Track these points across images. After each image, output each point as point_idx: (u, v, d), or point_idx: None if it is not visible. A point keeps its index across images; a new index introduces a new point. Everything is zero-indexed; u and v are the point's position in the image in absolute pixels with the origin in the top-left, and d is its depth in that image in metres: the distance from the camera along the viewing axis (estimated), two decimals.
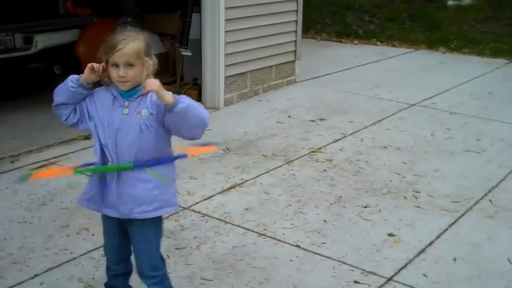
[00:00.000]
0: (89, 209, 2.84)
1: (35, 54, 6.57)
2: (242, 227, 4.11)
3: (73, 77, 2.67)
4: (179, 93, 6.59)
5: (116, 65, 2.58)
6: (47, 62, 7.14)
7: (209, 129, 5.89)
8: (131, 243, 2.87)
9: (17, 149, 5.41)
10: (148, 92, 2.56)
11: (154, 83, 2.53)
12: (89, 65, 2.63)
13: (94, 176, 2.77)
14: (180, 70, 7.02)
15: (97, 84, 2.75)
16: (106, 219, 2.87)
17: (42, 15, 6.57)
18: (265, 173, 5.00)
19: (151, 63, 2.67)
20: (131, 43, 2.58)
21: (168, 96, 2.54)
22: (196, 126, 2.60)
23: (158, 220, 2.82)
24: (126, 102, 2.66)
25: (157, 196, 2.71)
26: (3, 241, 3.86)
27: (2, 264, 3.61)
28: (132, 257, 2.98)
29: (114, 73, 2.60)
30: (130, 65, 2.59)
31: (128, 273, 3.04)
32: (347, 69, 8.87)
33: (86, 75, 2.64)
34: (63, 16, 6.87)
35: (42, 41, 6.49)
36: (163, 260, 2.93)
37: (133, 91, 2.66)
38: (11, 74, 6.91)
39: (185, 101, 2.54)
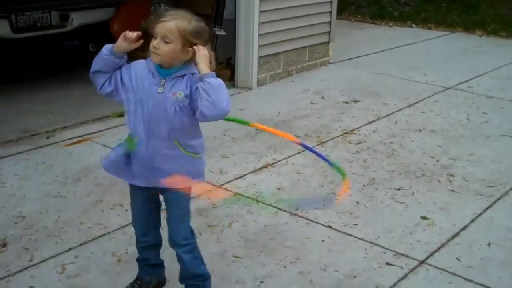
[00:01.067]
0: (111, 174, 2.90)
1: (71, 31, 6.63)
2: (274, 207, 4.11)
3: (107, 46, 2.71)
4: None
5: (156, 37, 2.60)
6: (82, 40, 7.20)
7: (242, 109, 5.97)
8: (167, 212, 2.90)
9: (53, 125, 5.48)
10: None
11: (203, 53, 2.55)
12: (123, 33, 2.65)
13: (121, 146, 2.80)
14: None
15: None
16: (134, 190, 2.90)
17: None
18: (297, 153, 4.98)
19: (191, 50, 2.61)
20: (177, 20, 2.59)
21: (205, 68, 2.54)
22: (215, 106, 2.52)
23: (188, 191, 2.85)
24: (162, 81, 2.66)
25: (189, 170, 2.75)
26: (38, 215, 3.93)
27: (37, 237, 3.67)
28: (161, 230, 3.03)
29: (152, 42, 2.62)
30: (166, 41, 2.59)
31: (157, 245, 3.08)
32: (381, 51, 8.76)
33: (118, 43, 2.66)
34: None
35: (77, 19, 6.54)
36: (193, 231, 2.96)
37: (170, 71, 2.66)
38: (47, 51, 6.97)
39: (213, 81, 2.53)
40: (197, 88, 2.56)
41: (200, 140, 2.81)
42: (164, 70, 2.66)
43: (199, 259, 2.96)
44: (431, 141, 5.32)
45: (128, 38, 2.63)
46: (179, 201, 2.84)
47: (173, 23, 2.58)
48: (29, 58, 6.91)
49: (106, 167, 2.90)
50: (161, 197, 2.93)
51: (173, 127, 2.67)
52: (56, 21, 6.49)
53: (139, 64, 2.74)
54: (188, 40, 2.60)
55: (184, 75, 2.65)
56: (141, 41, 2.67)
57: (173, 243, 2.91)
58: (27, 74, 6.87)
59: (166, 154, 2.70)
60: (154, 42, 2.60)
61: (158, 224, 3.03)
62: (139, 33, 2.64)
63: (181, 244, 2.88)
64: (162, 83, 2.65)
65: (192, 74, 2.65)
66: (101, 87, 2.76)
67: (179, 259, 2.92)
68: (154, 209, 2.97)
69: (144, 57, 2.74)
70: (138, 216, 2.99)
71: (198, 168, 2.82)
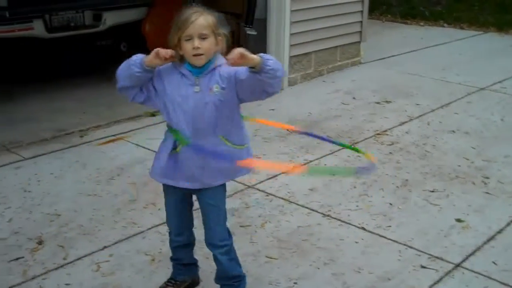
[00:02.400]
0: (162, 182, 2.86)
1: (103, 31, 6.69)
2: (306, 207, 4.10)
3: (135, 61, 2.61)
4: None
5: (190, 38, 2.57)
6: (114, 39, 7.26)
7: (273, 109, 5.96)
8: (201, 213, 2.90)
9: (86, 124, 5.54)
10: (234, 63, 2.47)
11: (238, 51, 2.44)
12: (155, 50, 2.58)
13: (164, 150, 2.78)
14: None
15: None
16: (168, 190, 2.90)
17: None
18: (329, 154, 4.96)
19: (221, 38, 2.66)
20: (204, 15, 2.59)
21: (255, 56, 2.48)
22: (279, 80, 2.55)
23: (224, 187, 2.87)
24: (196, 80, 2.65)
25: (234, 164, 2.75)
26: (73, 213, 3.97)
27: (73, 235, 3.71)
28: (195, 230, 3.05)
29: (188, 46, 2.58)
30: (203, 38, 2.59)
31: (190, 245, 3.08)
32: (413, 51, 8.68)
33: (150, 60, 2.59)
34: None
35: (110, 18, 6.61)
36: (229, 231, 2.96)
37: (202, 68, 2.65)
38: (80, 50, 7.06)
39: (271, 60, 2.50)
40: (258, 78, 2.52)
41: (243, 130, 2.82)
42: (196, 69, 2.65)
43: (235, 260, 2.97)
44: (465, 143, 5.25)
45: (162, 57, 2.57)
46: (216, 202, 2.84)
47: (203, 19, 2.58)
48: (62, 57, 7.01)
49: (154, 175, 2.87)
50: (193, 197, 2.94)
51: (216, 122, 2.66)
52: (89, 21, 6.56)
53: (168, 69, 2.69)
54: (216, 31, 2.62)
55: (215, 68, 2.65)
56: (173, 57, 2.62)
57: (210, 244, 2.91)
58: (60, 73, 6.96)
59: (214, 150, 2.70)
60: (195, 43, 2.56)
61: (191, 224, 3.04)
62: (173, 51, 2.60)
63: (218, 245, 2.89)
64: (197, 83, 2.65)
65: (220, 65, 2.65)
66: (132, 98, 2.74)
67: (216, 260, 2.93)
68: (188, 209, 2.98)
69: None
70: (172, 216, 3.00)
71: (246, 158, 2.81)
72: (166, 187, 2.90)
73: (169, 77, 2.69)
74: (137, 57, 2.62)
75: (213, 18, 2.63)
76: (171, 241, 3.08)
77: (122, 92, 2.73)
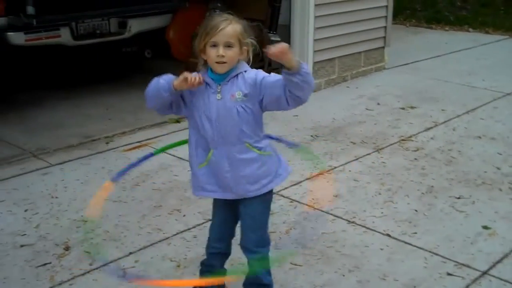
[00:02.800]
0: (209, 196, 2.87)
1: (128, 38, 6.76)
2: (331, 214, 4.09)
3: (164, 85, 2.62)
4: None
5: (215, 45, 2.60)
6: (138, 46, 7.33)
7: (297, 115, 5.96)
8: (240, 219, 2.92)
9: (111, 131, 5.60)
10: (273, 55, 2.44)
11: (283, 45, 2.44)
12: (184, 74, 2.59)
13: (195, 164, 2.80)
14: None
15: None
16: (216, 205, 2.96)
17: (136, 0, 6.74)
18: (354, 160, 4.95)
19: (247, 48, 2.68)
20: (233, 24, 2.62)
21: (295, 58, 2.49)
22: (311, 85, 2.58)
23: (268, 195, 2.85)
24: (219, 87, 2.67)
25: (266, 171, 2.77)
26: (99, 219, 4.00)
27: (99, 240, 3.74)
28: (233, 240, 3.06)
29: (212, 53, 2.60)
30: (229, 46, 2.61)
31: (226, 254, 3.09)
32: (437, 56, 8.62)
33: (179, 85, 2.60)
34: (156, 1, 7.01)
35: (136, 25, 6.68)
36: (268, 239, 2.95)
37: (224, 75, 2.67)
38: (105, 57, 7.13)
39: (306, 66, 2.53)
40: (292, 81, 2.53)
41: (265, 136, 2.81)
42: (218, 76, 2.67)
43: (267, 269, 2.97)
44: (491, 149, 5.20)
45: (190, 83, 2.58)
46: (256, 209, 2.84)
47: (231, 28, 2.61)
48: (87, 64, 7.09)
49: (194, 192, 2.88)
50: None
51: (240, 129, 2.68)
52: (115, 28, 6.63)
53: None
54: (242, 41, 2.64)
55: (237, 74, 2.66)
56: (202, 84, 2.64)
57: (244, 247, 2.93)
58: (85, 80, 7.05)
59: (241, 159, 2.71)
60: (220, 51, 2.59)
61: (232, 234, 3.04)
62: (201, 78, 2.61)
63: (252, 250, 2.89)
64: (219, 90, 2.67)
65: (245, 71, 2.67)
66: (163, 112, 2.79)
67: (248, 264, 2.94)
68: (230, 220, 2.98)
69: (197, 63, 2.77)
70: (214, 223, 3.02)
71: (275, 167, 2.81)
72: (213, 201, 2.96)
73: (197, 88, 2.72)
74: (165, 81, 2.64)
75: (241, 27, 2.65)
76: (208, 246, 3.07)
77: (151, 108, 2.77)
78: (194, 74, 2.61)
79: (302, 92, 2.57)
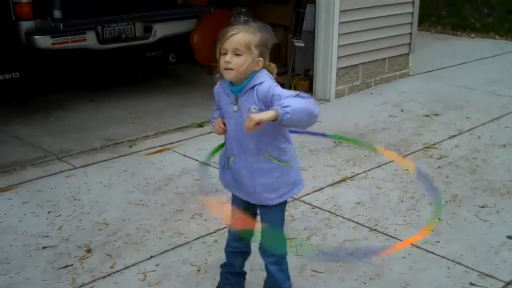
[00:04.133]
0: (226, 190, 2.97)
1: (153, 42, 6.80)
2: (352, 221, 4.06)
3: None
4: (290, 84, 6.63)
5: (225, 52, 2.63)
6: (163, 50, 7.36)
7: (320, 121, 5.88)
8: (260, 221, 2.93)
9: (134, 134, 5.63)
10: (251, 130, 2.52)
11: (252, 119, 2.47)
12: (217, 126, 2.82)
13: (220, 164, 2.91)
14: (292, 61, 7.01)
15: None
16: (235, 196, 2.96)
17: (161, 5, 6.78)
18: (376, 167, 4.92)
19: (261, 59, 2.66)
20: (244, 33, 2.62)
21: (270, 114, 2.48)
22: (307, 122, 2.57)
23: (283, 204, 2.88)
24: (235, 99, 2.70)
25: (285, 182, 2.78)
26: (121, 222, 4.03)
27: (120, 244, 3.76)
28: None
29: (222, 59, 2.65)
30: (237, 54, 2.61)
31: (246, 253, 3.09)
32: (463, 63, 8.54)
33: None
34: (181, 6, 7.05)
35: (160, 30, 6.71)
36: (285, 243, 2.96)
37: (240, 86, 2.68)
38: (130, 61, 7.18)
39: (289, 109, 2.45)
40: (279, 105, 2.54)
41: (290, 147, 2.81)
42: (235, 87, 2.69)
43: (285, 273, 2.96)
44: None
45: (218, 133, 2.84)
46: (273, 214, 2.86)
47: (240, 36, 2.61)
48: (112, 67, 7.14)
49: (222, 183, 2.98)
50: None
51: (258, 141, 2.70)
52: (140, 32, 6.68)
53: (218, 89, 2.82)
54: (255, 51, 2.63)
55: (254, 86, 2.66)
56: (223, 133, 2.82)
57: (262, 252, 2.94)
58: (109, 83, 7.10)
59: (259, 168, 2.74)
60: (227, 57, 2.62)
61: (251, 233, 3.04)
62: (224, 129, 2.79)
63: (269, 253, 2.90)
64: (236, 101, 2.70)
65: (261, 83, 2.65)
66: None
67: (266, 268, 2.95)
68: (251, 217, 2.99)
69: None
70: (234, 221, 3.03)
71: (294, 177, 2.83)
72: (233, 194, 2.97)
73: (220, 96, 2.81)
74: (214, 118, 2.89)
75: (254, 37, 2.63)
76: (227, 246, 3.08)
77: None
78: (217, 121, 2.83)
79: (302, 124, 2.58)
